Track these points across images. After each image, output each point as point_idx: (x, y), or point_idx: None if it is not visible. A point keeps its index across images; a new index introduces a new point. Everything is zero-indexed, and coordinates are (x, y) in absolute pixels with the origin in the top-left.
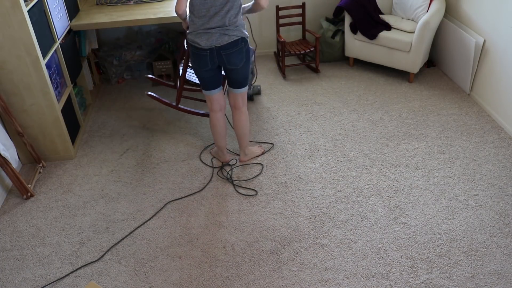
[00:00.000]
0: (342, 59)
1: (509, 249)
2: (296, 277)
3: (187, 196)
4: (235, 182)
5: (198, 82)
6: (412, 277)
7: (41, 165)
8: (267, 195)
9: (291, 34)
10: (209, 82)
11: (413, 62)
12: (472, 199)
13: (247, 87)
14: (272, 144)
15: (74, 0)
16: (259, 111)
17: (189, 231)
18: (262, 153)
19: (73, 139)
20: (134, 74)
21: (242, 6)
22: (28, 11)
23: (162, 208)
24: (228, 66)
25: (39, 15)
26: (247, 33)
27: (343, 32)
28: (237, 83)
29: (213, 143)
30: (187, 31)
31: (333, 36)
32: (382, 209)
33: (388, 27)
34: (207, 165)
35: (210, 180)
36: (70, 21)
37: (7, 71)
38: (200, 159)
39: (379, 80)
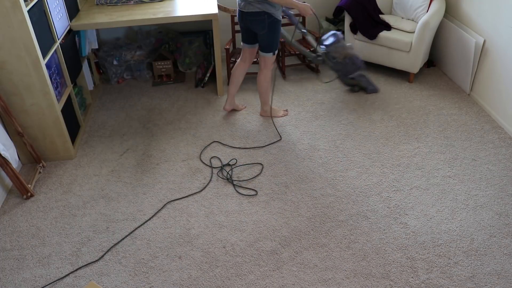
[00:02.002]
0: None
1: (509, 249)
2: (296, 277)
3: (187, 196)
4: (235, 182)
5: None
6: (412, 277)
7: (41, 165)
8: (267, 195)
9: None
10: (243, 35)
11: (413, 62)
12: (472, 199)
13: (269, 54)
14: (280, 137)
15: (74, 0)
16: (259, 111)
17: (189, 231)
18: (283, 116)
19: (73, 139)
20: (134, 74)
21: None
22: (28, 11)
23: (162, 208)
24: (252, 30)
25: (39, 15)
26: (273, 10)
27: (343, 32)
28: (261, 46)
29: (213, 141)
30: None
31: None
32: (382, 209)
33: (388, 27)
34: (207, 165)
35: (210, 180)
36: (70, 21)
37: (7, 71)
38: (200, 159)
39: (379, 80)
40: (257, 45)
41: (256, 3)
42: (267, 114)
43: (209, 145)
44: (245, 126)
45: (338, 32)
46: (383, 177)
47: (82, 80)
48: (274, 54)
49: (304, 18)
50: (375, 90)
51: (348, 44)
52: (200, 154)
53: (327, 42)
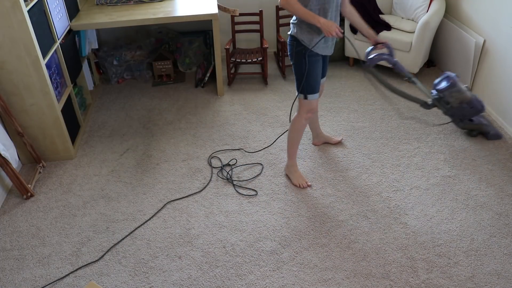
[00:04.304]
0: (342, 59)
1: (509, 249)
2: (296, 277)
3: (187, 196)
4: (235, 182)
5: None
6: (412, 277)
7: (41, 165)
8: (267, 195)
9: None
10: None
11: (413, 62)
12: (472, 199)
13: (300, 94)
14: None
15: (74, 0)
16: (259, 111)
17: (189, 231)
18: (300, 187)
19: (73, 139)
20: (134, 74)
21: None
22: (28, 11)
23: (162, 208)
24: None
25: (39, 15)
26: (304, 37)
27: (343, 33)
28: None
29: (229, 148)
30: None
31: None
32: (382, 209)
33: (388, 27)
34: (210, 165)
35: (210, 180)
36: (70, 21)
37: (7, 71)
38: (208, 163)
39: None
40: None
41: (292, 23)
42: (286, 171)
43: (218, 151)
44: (245, 126)
45: (453, 75)
46: (383, 177)
47: (82, 80)
48: (306, 98)
49: None
50: (498, 136)
51: (464, 86)
52: (210, 157)
53: (440, 86)
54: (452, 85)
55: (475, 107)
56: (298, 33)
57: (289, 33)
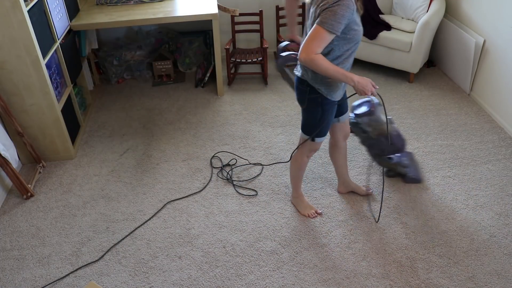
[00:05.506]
0: None
1: (509, 249)
2: (296, 277)
3: (187, 196)
4: (235, 183)
5: None
6: (412, 277)
7: (41, 165)
8: (267, 195)
9: None
10: None
11: (413, 62)
12: (472, 199)
13: (305, 135)
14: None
15: (74, 0)
16: (259, 111)
17: (189, 231)
18: (309, 217)
19: (73, 139)
20: (134, 74)
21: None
22: (28, 11)
23: (162, 208)
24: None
25: (39, 15)
26: (319, 85)
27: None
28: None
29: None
30: None
31: None
32: (382, 209)
33: (388, 27)
34: (213, 167)
35: (210, 180)
36: (70, 21)
37: (7, 71)
38: (211, 164)
39: (379, 80)
40: (339, 119)
41: (301, 66)
42: (293, 201)
43: (217, 152)
44: (245, 126)
45: (375, 100)
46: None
47: (82, 80)
48: (313, 140)
49: (304, 17)
50: (416, 180)
51: (388, 117)
52: (211, 158)
53: (358, 111)
54: (370, 113)
55: (395, 144)
56: (313, 81)
57: (297, 74)
